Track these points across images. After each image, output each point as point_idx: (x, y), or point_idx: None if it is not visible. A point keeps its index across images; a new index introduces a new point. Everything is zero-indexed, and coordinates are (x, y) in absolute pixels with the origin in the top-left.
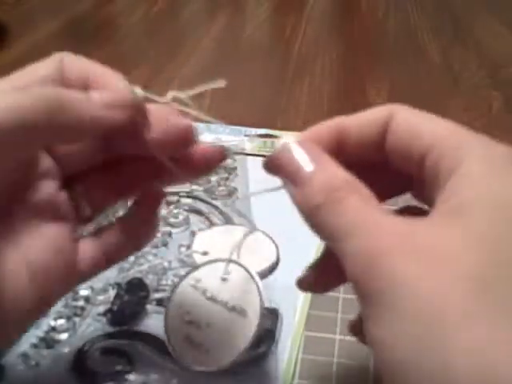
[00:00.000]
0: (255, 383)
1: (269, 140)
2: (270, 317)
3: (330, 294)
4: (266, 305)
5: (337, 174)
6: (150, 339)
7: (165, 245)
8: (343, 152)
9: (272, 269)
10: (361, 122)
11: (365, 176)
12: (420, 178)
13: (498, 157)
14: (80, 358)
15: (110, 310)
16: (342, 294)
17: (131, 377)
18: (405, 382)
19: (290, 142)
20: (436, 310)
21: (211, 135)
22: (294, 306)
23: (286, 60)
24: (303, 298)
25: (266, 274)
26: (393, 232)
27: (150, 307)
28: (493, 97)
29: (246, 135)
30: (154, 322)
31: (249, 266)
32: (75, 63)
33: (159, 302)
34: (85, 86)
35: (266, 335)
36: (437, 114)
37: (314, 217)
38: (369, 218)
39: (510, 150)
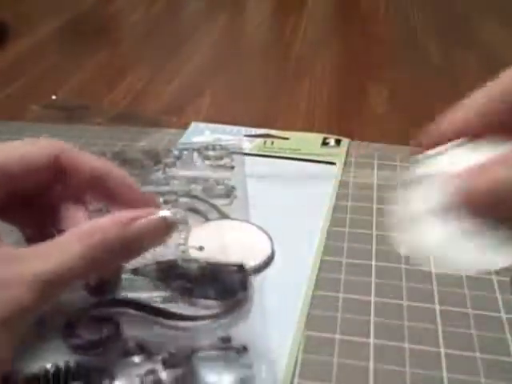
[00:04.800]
0: (234, 327)
1: (268, 140)
2: (238, 270)
3: (330, 293)
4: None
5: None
6: (133, 304)
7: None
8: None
9: (267, 263)
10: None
11: None
12: None
13: None
14: (69, 327)
15: (87, 283)
16: (342, 294)
17: (120, 342)
18: None
19: None
20: None
21: (211, 135)
22: (293, 303)
23: (285, 60)
24: (303, 297)
25: (261, 268)
26: None
27: (125, 276)
28: None
29: (245, 135)
30: (132, 291)
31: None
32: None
33: (135, 272)
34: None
35: (239, 286)
36: (437, 113)
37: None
38: None
39: None
